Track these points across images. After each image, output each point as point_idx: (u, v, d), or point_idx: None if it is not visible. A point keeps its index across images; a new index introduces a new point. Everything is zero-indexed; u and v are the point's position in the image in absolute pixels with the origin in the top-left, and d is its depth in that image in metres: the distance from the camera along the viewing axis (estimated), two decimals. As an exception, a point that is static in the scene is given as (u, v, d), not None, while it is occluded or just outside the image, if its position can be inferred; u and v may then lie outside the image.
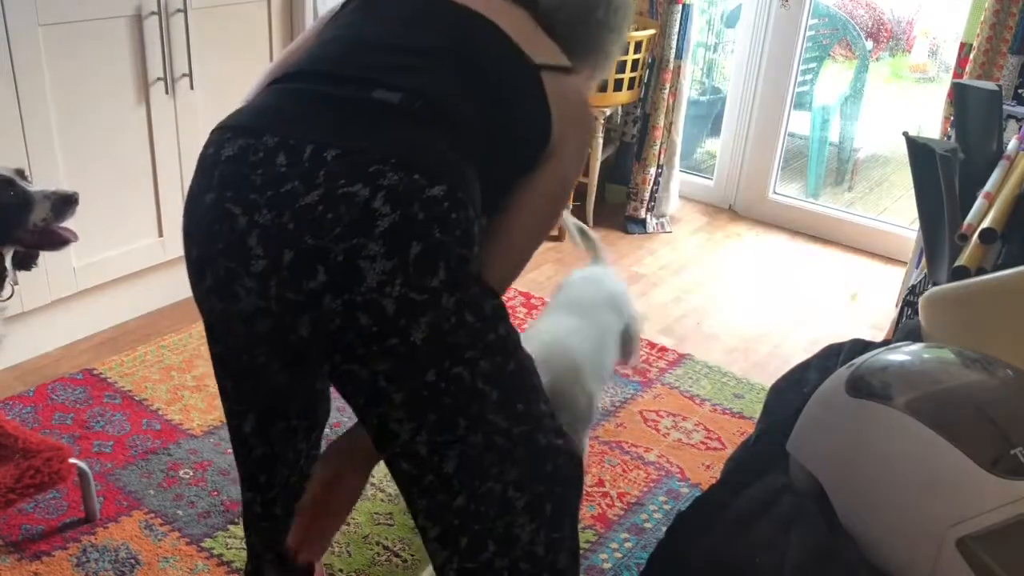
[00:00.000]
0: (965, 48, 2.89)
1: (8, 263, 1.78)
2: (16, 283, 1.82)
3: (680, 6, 3.45)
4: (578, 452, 1.38)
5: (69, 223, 1.81)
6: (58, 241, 1.80)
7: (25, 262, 1.84)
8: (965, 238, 1.62)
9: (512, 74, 1.27)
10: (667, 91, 3.56)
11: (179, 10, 2.52)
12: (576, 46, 1.42)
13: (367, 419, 1.21)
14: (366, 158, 1.11)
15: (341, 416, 2.23)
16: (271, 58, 2.83)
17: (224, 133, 1.20)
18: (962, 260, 1.57)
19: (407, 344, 1.10)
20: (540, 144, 1.28)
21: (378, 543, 1.96)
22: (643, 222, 3.72)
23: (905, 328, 1.63)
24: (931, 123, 3.15)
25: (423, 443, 1.17)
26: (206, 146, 1.22)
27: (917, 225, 2.36)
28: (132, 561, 1.87)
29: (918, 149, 1.87)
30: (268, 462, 1.44)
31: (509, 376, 1.20)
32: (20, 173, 1.78)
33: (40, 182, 1.83)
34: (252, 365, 1.28)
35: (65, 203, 1.77)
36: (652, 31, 3.47)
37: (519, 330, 1.28)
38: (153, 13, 2.47)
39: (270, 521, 1.49)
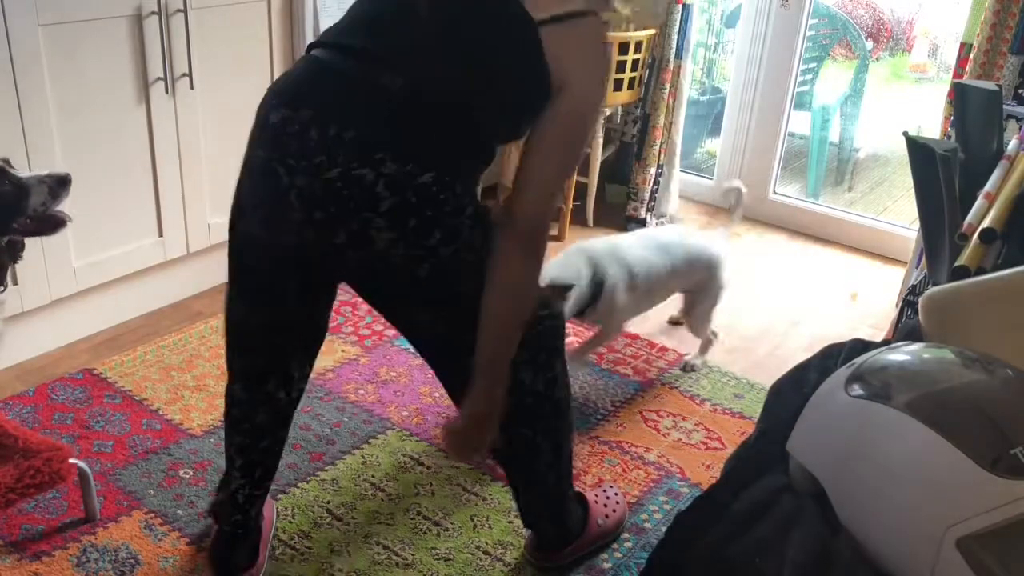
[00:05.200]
0: (965, 48, 2.89)
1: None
2: (16, 283, 1.81)
3: (680, 6, 3.45)
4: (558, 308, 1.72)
5: (62, 206, 1.77)
6: (55, 224, 1.77)
7: (12, 252, 1.79)
8: (965, 238, 1.62)
9: (509, 38, 1.41)
10: (667, 91, 3.56)
11: (179, 10, 2.52)
12: None
13: (389, 315, 1.65)
14: (372, 145, 1.38)
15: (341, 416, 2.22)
16: (271, 58, 2.84)
17: (272, 99, 1.47)
18: (962, 260, 1.57)
19: (414, 278, 1.47)
20: (543, 94, 1.41)
21: (378, 543, 1.96)
22: (643, 222, 3.71)
23: (905, 328, 1.62)
24: (931, 123, 3.14)
25: (443, 330, 1.58)
26: (261, 104, 1.49)
27: (917, 225, 2.36)
28: (132, 561, 1.87)
29: (918, 149, 1.87)
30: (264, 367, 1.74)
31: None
32: (6, 162, 1.75)
33: (24, 172, 1.79)
34: (273, 286, 1.61)
35: (61, 185, 1.75)
36: (652, 31, 3.47)
37: None
38: (153, 13, 2.47)
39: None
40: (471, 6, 1.43)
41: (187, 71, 2.59)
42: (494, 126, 1.48)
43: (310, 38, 2.85)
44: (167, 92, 2.57)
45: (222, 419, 2.30)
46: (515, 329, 1.50)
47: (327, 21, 2.85)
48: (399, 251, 1.43)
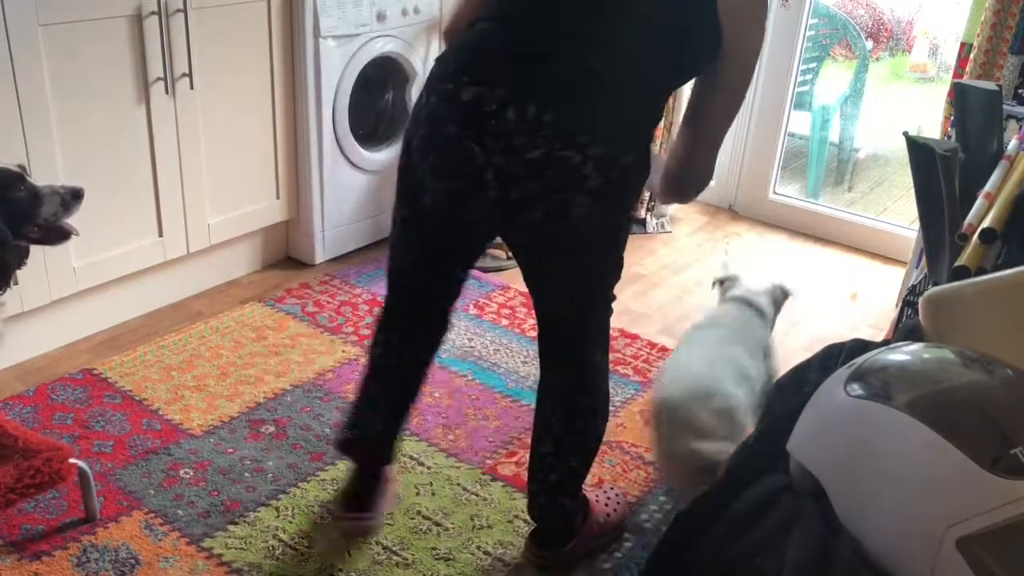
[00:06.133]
0: (965, 48, 2.89)
1: None
2: (16, 283, 1.82)
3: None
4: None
5: (71, 219, 1.82)
6: (62, 235, 1.81)
7: (19, 257, 1.82)
8: (965, 238, 1.61)
9: (689, 7, 1.50)
10: (667, 91, 3.56)
11: (179, 10, 2.52)
12: None
13: (533, 271, 1.69)
14: (574, 126, 1.45)
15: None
16: (271, 58, 2.83)
17: (460, 75, 1.48)
18: (962, 260, 1.57)
19: (584, 248, 1.59)
20: (712, 55, 1.53)
21: (378, 543, 1.96)
22: (643, 222, 3.71)
23: (905, 328, 1.62)
24: (931, 123, 3.14)
25: (573, 292, 1.68)
26: (442, 78, 1.51)
27: (917, 225, 2.36)
28: (132, 561, 1.87)
29: (918, 149, 1.86)
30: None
31: (619, 252, 1.68)
32: (23, 169, 1.79)
33: (41, 181, 1.83)
34: (433, 249, 1.70)
35: (74, 197, 1.80)
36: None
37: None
38: (153, 13, 2.47)
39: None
40: None
41: (187, 71, 2.59)
42: (667, 94, 1.63)
43: (310, 38, 2.85)
44: (167, 92, 2.57)
45: (222, 419, 2.31)
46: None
47: (327, 21, 2.85)
48: (591, 224, 1.53)
